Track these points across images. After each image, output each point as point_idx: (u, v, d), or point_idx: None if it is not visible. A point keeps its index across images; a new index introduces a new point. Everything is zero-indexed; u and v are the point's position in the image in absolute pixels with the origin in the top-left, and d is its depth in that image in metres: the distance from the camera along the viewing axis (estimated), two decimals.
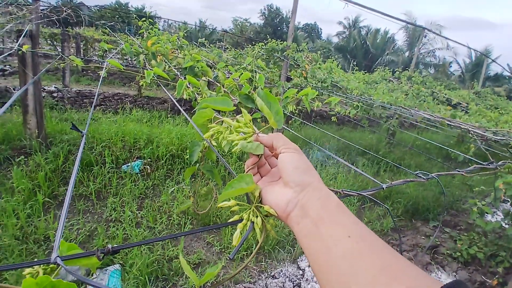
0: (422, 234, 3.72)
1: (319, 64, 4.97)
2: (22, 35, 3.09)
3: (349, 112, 3.46)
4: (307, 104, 1.56)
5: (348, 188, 4.46)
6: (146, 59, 2.22)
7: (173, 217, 3.18)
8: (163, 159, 4.22)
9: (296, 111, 4.71)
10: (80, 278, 0.35)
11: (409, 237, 3.58)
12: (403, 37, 23.42)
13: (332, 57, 7.83)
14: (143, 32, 3.69)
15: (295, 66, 5.13)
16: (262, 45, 5.54)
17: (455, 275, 3.00)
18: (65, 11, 4.61)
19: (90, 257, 0.44)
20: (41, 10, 4.51)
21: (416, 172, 1.00)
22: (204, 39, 7.48)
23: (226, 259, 2.85)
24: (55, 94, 7.06)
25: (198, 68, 2.08)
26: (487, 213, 2.42)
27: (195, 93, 1.42)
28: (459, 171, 1.12)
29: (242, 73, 1.28)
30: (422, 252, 3.26)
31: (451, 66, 20.74)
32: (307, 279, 2.68)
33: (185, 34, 4.05)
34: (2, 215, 2.76)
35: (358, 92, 3.92)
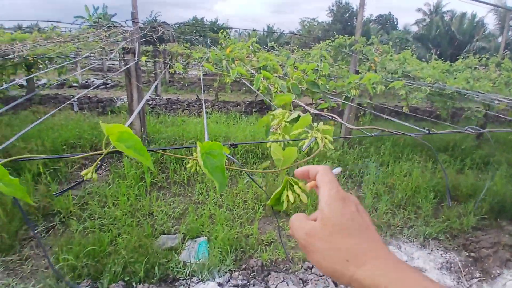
0: (507, 232, 3.35)
1: (391, 55, 4.84)
2: (139, 53, 3.89)
3: (416, 96, 3.34)
4: (370, 88, 1.72)
5: (425, 185, 4.24)
6: (227, 63, 2.66)
7: (248, 202, 3.59)
8: (238, 154, 4.71)
9: (366, 104, 4.68)
10: (229, 157, 0.67)
11: (492, 235, 3.26)
12: (493, 20, 20.11)
13: (410, 48, 7.37)
14: (222, 42, 4.25)
15: (365, 60, 5.09)
16: (329, 42, 5.64)
17: None
18: (160, 30, 5.54)
19: (225, 146, 0.76)
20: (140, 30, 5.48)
21: (466, 127, 1.10)
22: (273, 43, 7.91)
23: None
24: (150, 102, 8.39)
25: (270, 66, 2.41)
26: None
27: (269, 85, 1.74)
28: None
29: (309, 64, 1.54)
30: (503, 249, 2.97)
31: None
32: None
33: (256, 40, 4.49)
34: (117, 194, 3.54)
35: (431, 80, 3.72)
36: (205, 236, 3.01)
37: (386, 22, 31.28)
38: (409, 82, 3.53)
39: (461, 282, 2.73)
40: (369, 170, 4.58)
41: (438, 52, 18.89)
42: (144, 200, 3.47)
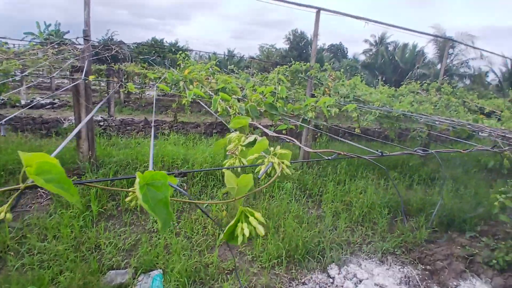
0: (458, 244, 3.59)
1: (342, 81, 5.16)
2: (86, 71, 3.64)
3: (367, 118, 3.58)
4: (325, 110, 1.77)
5: (379, 201, 4.44)
6: (185, 85, 2.58)
7: (208, 228, 3.41)
8: (197, 177, 4.53)
9: (322, 126, 4.88)
10: (176, 188, 0.59)
11: (444, 248, 3.47)
12: (433, 49, 22.95)
13: (359, 75, 7.97)
14: (180, 63, 4.18)
15: (319, 84, 5.36)
16: (286, 67, 5.87)
17: (490, 282, 2.87)
18: (113, 49, 5.31)
19: (171, 175, 0.67)
20: (92, 48, 5.20)
21: (415, 148, 1.15)
22: (233, 66, 8.03)
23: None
24: (101, 123, 7.87)
25: (228, 88, 2.38)
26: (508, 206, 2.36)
27: (227, 107, 1.69)
28: (458, 150, 1.25)
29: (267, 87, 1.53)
30: (457, 261, 3.16)
31: (487, 76, 19.69)
32: (336, 285, 2.73)
33: (216, 63, 4.50)
34: (59, 225, 3.16)
35: (379, 103, 4.03)
36: (160, 268, 2.76)
37: (338, 51, 33.85)
38: (360, 106, 3.77)
39: None
40: (327, 189, 4.69)
41: (384, 79, 20.80)
42: (90, 232, 3.13)
